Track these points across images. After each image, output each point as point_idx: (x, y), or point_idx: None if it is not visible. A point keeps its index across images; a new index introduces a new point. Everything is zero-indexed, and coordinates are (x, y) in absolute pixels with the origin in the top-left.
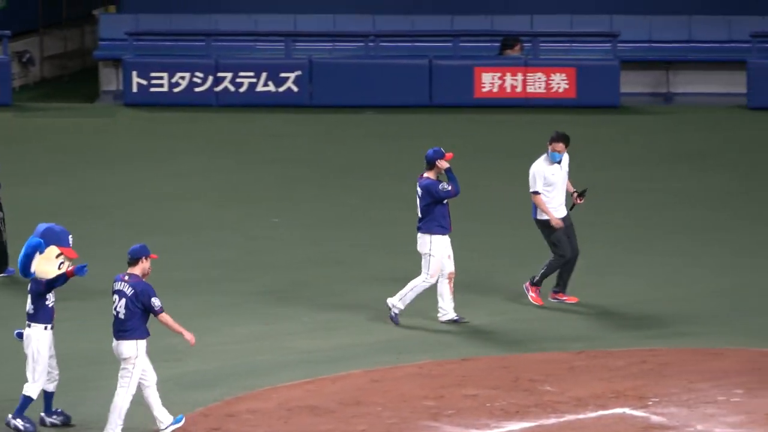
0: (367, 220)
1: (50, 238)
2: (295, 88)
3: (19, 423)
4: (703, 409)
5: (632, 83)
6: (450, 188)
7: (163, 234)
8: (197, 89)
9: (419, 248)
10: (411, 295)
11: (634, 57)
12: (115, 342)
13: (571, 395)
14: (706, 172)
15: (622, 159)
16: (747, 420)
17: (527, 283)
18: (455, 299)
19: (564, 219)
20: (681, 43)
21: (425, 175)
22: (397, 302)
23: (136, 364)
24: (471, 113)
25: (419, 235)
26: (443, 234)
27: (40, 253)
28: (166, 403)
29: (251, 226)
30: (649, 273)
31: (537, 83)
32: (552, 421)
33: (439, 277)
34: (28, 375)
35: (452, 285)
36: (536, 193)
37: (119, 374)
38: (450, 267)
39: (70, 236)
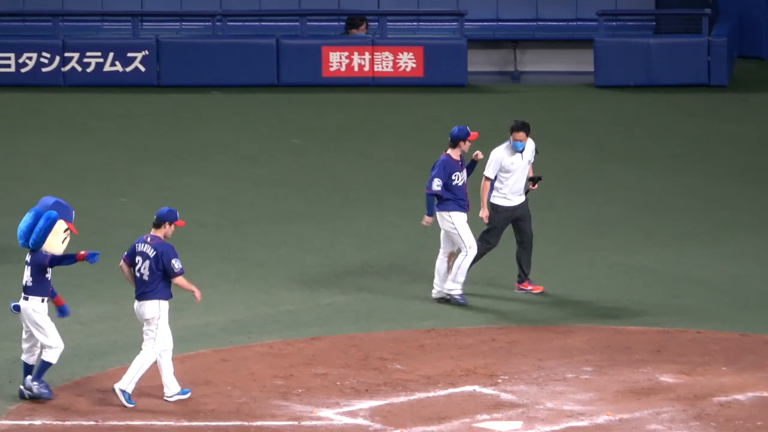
0: (215, 200)
1: (60, 211)
2: (142, 68)
3: (36, 387)
4: (552, 387)
5: (480, 62)
6: (429, 183)
7: (10, 215)
8: (44, 69)
9: (442, 227)
10: (462, 273)
11: (482, 36)
12: (137, 303)
13: (420, 373)
14: (554, 151)
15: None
16: (596, 397)
17: (517, 285)
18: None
19: (520, 206)
20: (528, 22)
21: (448, 152)
22: (452, 285)
23: (159, 325)
24: (319, 93)
25: (437, 213)
26: (460, 211)
27: (54, 226)
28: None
29: (99, 206)
30: (496, 252)
31: (384, 62)
32: (402, 399)
33: (440, 253)
34: (43, 343)
35: (451, 264)
36: (486, 178)
37: (144, 335)
38: (452, 247)
39: (73, 212)
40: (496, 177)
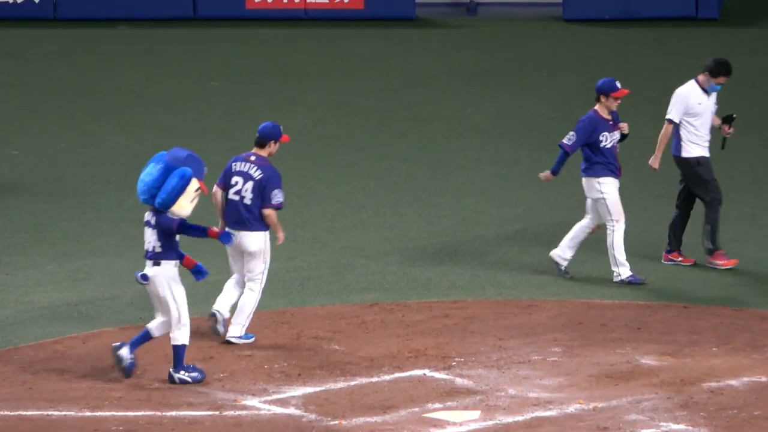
0: (122, 152)
1: (195, 167)
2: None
3: (184, 375)
4: (515, 371)
5: None
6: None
7: None
8: None
9: (588, 195)
10: (619, 252)
11: None
12: (236, 234)
13: (362, 355)
14: (516, 94)
15: (416, 80)
16: (566, 383)
17: (665, 254)
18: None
19: (708, 159)
20: None
21: (595, 107)
22: (616, 269)
23: (266, 259)
24: (242, 28)
25: (583, 179)
26: (611, 177)
27: (188, 185)
28: None
29: None
30: (447, 216)
31: None
32: (341, 385)
33: (585, 219)
34: (173, 318)
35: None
36: (670, 121)
37: (246, 274)
38: (599, 219)
39: (205, 169)
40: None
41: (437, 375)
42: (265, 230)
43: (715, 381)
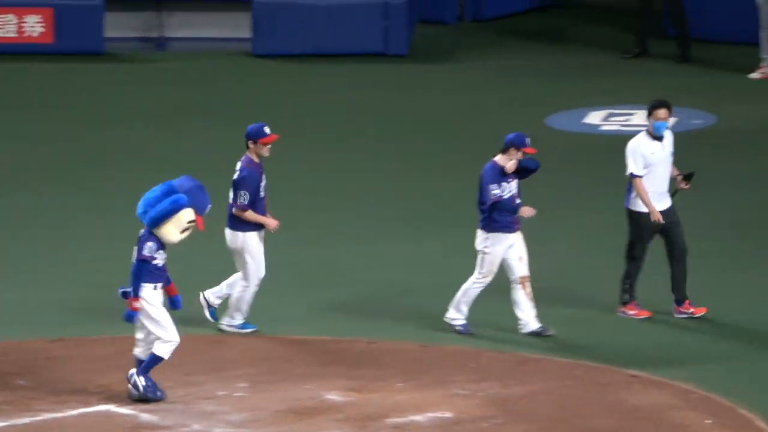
0: None
1: (192, 199)
2: None
3: (140, 381)
4: (201, 406)
5: (121, 26)
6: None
7: None
8: None
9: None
10: (467, 299)
11: None
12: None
13: (47, 390)
14: (211, 128)
15: (101, 114)
16: (251, 418)
17: (676, 308)
18: None
19: (667, 212)
20: None
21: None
22: (453, 313)
23: (248, 256)
24: None
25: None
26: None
27: (177, 212)
28: None
29: None
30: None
31: (8, 26)
32: (26, 420)
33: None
34: (158, 334)
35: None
36: (633, 175)
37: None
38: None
39: (210, 206)
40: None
41: (122, 410)
42: (243, 230)
43: (399, 417)
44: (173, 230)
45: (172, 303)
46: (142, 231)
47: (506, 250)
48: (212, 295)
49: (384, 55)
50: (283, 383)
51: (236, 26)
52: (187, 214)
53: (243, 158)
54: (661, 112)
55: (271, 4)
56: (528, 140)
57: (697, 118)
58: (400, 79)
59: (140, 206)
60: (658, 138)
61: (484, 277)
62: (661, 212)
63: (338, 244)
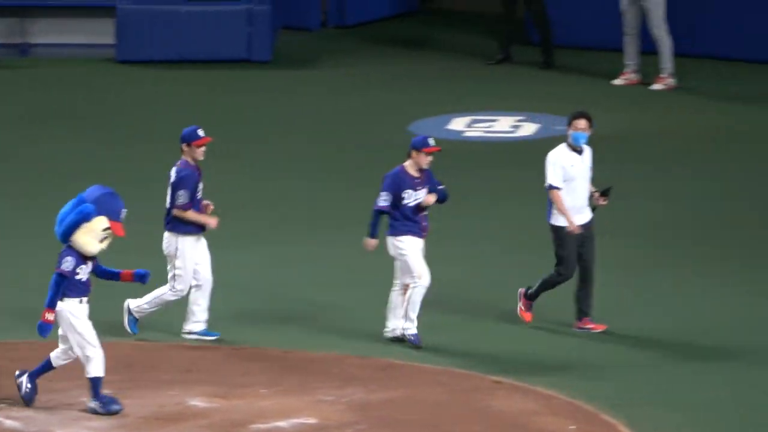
0: None
1: (102, 206)
2: None
3: (95, 405)
4: (65, 413)
5: None
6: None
7: None
8: None
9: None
10: (413, 308)
11: None
12: None
13: None
14: (72, 134)
15: None
16: (116, 425)
17: (576, 323)
18: None
19: (585, 227)
20: None
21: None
22: (405, 323)
23: (179, 261)
24: None
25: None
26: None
27: (87, 221)
28: None
29: None
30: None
31: None
32: None
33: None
34: (80, 348)
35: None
36: (551, 187)
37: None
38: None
39: (125, 210)
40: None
41: None
42: (179, 232)
43: (263, 422)
44: (90, 240)
45: (140, 278)
46: (63, 247)
47: (418, 252)
48: (135, 305)
49: (248, 62)
50: (148, 390)
51: (100, 32)
52: (99, 223)
53: (179, 162)
54: (581, 123)
55: (135, 10)
56: (431, 140)
57: (561, 124)
58: (264, 85)
59: (56, 224)
60: (578, 150)
61: (419, 278)
62: (580, 226)
63: None
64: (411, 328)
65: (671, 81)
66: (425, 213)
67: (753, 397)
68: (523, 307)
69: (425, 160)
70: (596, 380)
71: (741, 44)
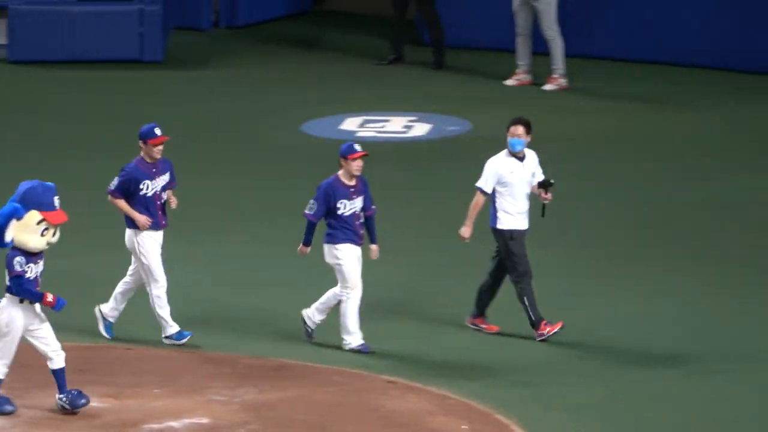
0: None
1: (30, 200)
2: None
3: (63, 401)
4: None
5: None
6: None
7: None
8: None
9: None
10: (351, 320)
11: None
12: None
13: None
14: None
15: None
16: (7, 425)
17: (470, 319)
18: None
19: (524, 232)
20: None
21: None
22: (347, 337)
23: (141, 257)
24: None
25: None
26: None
27: (18, 219)
28: None
29: None
30: None
31: None
32: None
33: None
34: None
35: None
36: (480, 190)
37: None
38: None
39: (57, 197)
40: (493, 192)
41: None
42: (132, 228)
43: (156, 423)
44: (30, 236)
45: (58, 306)
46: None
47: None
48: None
49: (139, 62)
50: (41, 390)
51: None
52: (32, 217)
53: (135, 158)
54: (518, 129)
55: (28, 10)
56: (356, 146)
57: (453, 124)
58: (155, 85)
59: None
60: (519, 157)
61: (351, 289)
62: (519, 232)
63: (82, 253)
64: (354, 342)
65: (563, 81)
66: (359, 222)
67: (636, 396)
68: (483, 327)
69: (354, 167)
70: (489, 381)
71: (633, 45)
